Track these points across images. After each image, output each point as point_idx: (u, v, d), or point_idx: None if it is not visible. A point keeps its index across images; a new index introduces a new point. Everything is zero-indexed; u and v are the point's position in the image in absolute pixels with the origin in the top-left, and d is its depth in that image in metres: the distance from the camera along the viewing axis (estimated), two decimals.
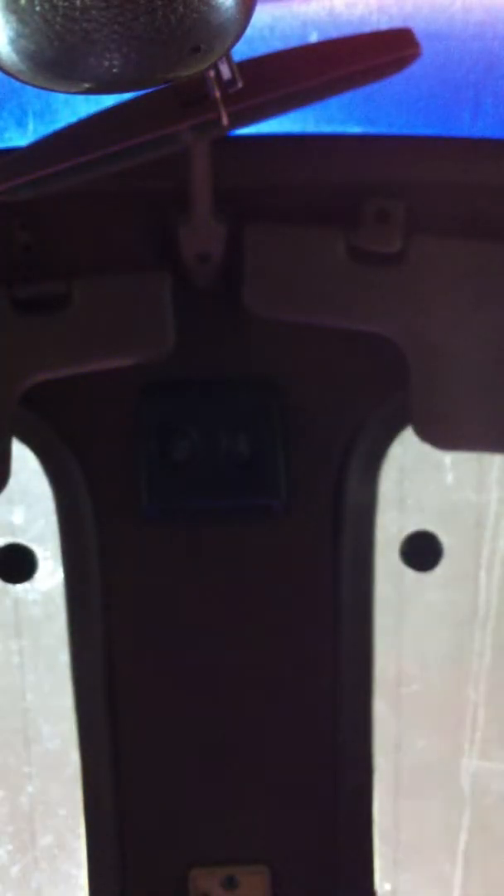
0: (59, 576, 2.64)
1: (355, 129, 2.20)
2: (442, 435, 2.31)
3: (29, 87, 1.07)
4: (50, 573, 2.91)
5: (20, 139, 2.15)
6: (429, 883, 3.55)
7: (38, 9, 0.94)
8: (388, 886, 3.45)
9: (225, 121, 1.70)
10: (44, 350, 2.26)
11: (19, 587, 3.18)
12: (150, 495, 2.34)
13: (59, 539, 2.44)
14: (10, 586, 3.12)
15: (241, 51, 1.48)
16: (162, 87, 1.13)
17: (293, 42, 2.04)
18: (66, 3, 0.94)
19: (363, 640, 2.46)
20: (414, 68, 1.81)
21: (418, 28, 1.79)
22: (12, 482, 2.28)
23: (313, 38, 2.06)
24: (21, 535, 3.06)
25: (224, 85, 1.63)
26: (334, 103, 2.11)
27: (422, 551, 2.74)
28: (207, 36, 0.98)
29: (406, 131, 2.20)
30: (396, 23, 2.03)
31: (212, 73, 1.61)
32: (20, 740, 3.36)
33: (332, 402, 2.37)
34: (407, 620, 3.30)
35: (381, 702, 2.97)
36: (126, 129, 1.78)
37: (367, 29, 2.01)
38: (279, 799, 2.48)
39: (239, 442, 2.33)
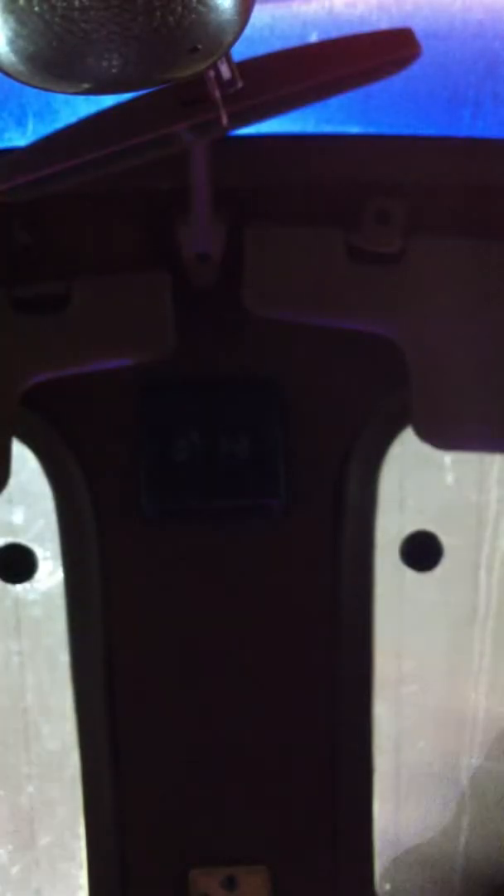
0: (59, 576, 2.64)
1: (355, 129, 2.20)
2: (442, 435, 2.31)
3: (29, 87, 1.07)
4: (50, 573, 2.91)
5: (20, 139, 2.15)
6: (429, 882, 3.55)
7: (36, 9, 0.94)
8: (388, 886, 3.45)
9: (225, 121, 1.70)
10: (44, 350, 2.26)
11: (19, 587, 3.18)
12: (150, 495, 2.34)
13: (59, 539, 2.44)
14: (10, 586, 3.12)
15: (241, 51, 1.48)
16: (162, 87, 1.13)
17: (293, 42, 2.04)
18: (65, 4, 0.94)
19: (363, 639, 2.46)
20: (414, 68, 1.81)
21: (418, 28, 1.78)
22: (12, 482, 2.28)
23: (313, 38, 2.06)
24: (21, 535, 3.06)
25: (224, 85, 1.63)
26: (334, 103, 2.11)
27: (422, 551, 2.74)
28: (206, 36, 0.98)
29: (406, 131, 2.20)
30: (396, 23, 2.03)
31: (211, 74, 1.61)
32: (20, 740, 3.36)
33: (332, 402, 2.37)
34: (407, 620, 3.30)
35: (381, 702, 2.97)
36: (126, 129, 1.78)
37: (367, 29, 2.01)
38: (279, 799, 2.48)
39: (239, 442, 2.34)
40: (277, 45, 1.97)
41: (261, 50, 1.78)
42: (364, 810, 2.51)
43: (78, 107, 1.98)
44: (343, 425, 2.37)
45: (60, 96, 1.89)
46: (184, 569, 2.40)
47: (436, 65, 2.09)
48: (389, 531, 2.73)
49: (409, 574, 2.91)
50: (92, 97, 1.63)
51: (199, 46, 0.99)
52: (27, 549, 2.75)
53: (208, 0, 0.96)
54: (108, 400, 2.35)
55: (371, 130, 2.20)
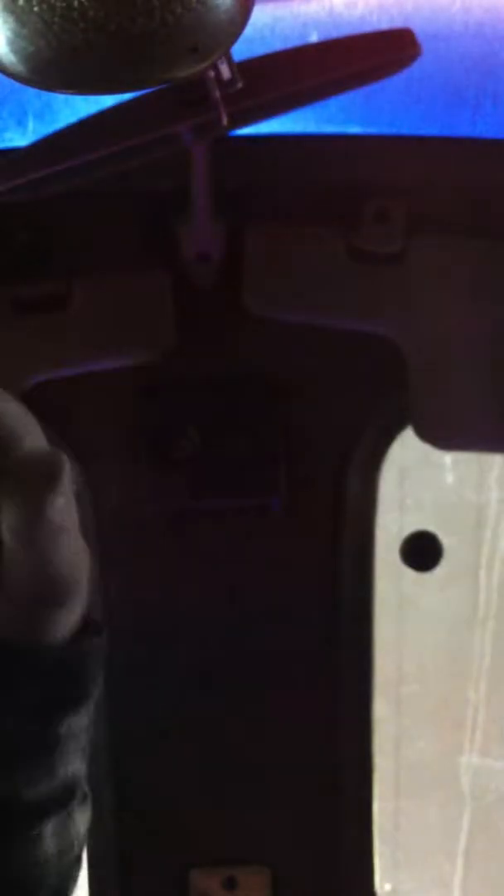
0: None
1: (355, 129, 2.20)
2: (442, 435, 2.31)
3: (29, 87, 1.07)
4: None
5: (20, 139, 2.15)
6: (429, 883, 3.55)
7: (35, 9, 0.94)
8: (388, 886, 3.45)
9: (225, 121, 1.70)
10: (44, 350, 2.26)
11: None
12: (150, 495, 2.34)
13: None
14: None
15: (241, 51, 1.48)
16: (162, 87, 1.13)
17: (293, 42, 2.03)
18: (64, 4, 0.94)
19: (363, 639, 2.45)
20: (414, 68, 1.81)
21: (418, 28, 1.79)
22: None
23: (313, 38, 2.06)
24: None
25: (224, 85, 1.63)
26: (334, 103, 2.11)
27: (422, 551, 2.73)
28: (205, 36, 0.98)
29: (406, 131, 2.20)
30: (396, 23, 2.03)
31: (211, 73, 1.61)
32: None
33: (331, 402, 2.36)
34: (407, 620, 3.30)
35: (381, 702, 2.97)
36: (126, 129, 1.78)
37: (367, 29, 2.01)
38: (279, 799, 2.48)
39: (239, 442, 2.33)
40: (277, 45, 1.97)
41: (261, 50, 1.78)
42: (364, 810, 2.51)
43: (78, 107, 1.98)
44: (343, 425, 2.36)
45: (60, 96, 1.89)
46: (183, 569, 2.40)
47: (436, 65, 2.09)
48: (389, 531, 2.73)
49: (409, 574, 2.91)
50: (92, 97, 1.63)
51: (199, 46, 0.99)
52: None
53: (208, 0, 0.96)
54: (108, 400, 2.35)
55: (371, 130, 2.20)
